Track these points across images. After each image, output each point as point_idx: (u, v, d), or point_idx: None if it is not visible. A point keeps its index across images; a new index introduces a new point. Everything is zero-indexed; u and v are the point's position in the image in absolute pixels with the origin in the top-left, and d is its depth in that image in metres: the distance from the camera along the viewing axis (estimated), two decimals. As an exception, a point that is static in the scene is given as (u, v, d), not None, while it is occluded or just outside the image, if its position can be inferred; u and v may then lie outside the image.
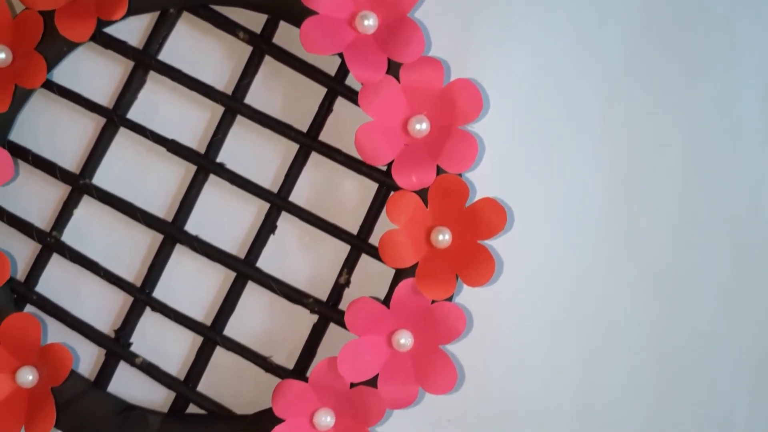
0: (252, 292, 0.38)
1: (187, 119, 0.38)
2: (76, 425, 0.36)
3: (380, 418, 0.34)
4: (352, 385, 0.34)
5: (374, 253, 0.37)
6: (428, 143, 0.34)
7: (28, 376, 0.35)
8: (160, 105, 0.38)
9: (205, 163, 0.37)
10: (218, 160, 0.38)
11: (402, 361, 0.34)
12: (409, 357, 0.35)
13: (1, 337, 0.35)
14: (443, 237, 0.34)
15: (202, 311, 0.38)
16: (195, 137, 0.38)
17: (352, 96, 0.37)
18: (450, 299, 0.35)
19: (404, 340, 0.35)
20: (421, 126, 0.34)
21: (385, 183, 0.37)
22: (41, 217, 0.38)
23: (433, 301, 0.34)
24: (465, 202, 0.34)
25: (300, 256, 0.38)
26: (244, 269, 0.37)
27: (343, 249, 0.38)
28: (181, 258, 0.38)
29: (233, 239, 0.38)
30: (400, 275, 0.36)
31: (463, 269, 0.34)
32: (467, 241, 0.34)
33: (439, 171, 0.35)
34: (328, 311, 0.37)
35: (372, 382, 0.35)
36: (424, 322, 0.34)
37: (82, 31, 0.34)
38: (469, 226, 0.34)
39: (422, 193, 0.35)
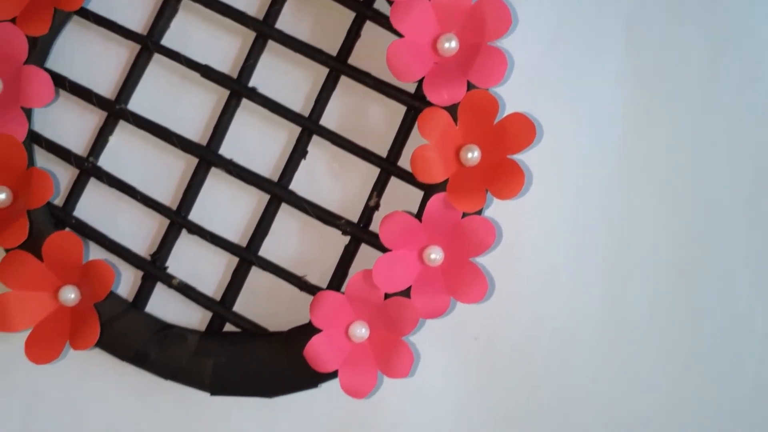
0: (284, 215, 0.39)
1: (219, 46, 0.39)
2: (116, 344, 0.37)
3: (413, 327, 0.35)
4: (386, 297, 0.36)
5: (403, 175, 0.38)
6: (458, 60, 0.35)
7: (70, 295, 0.36)
8: (192, 32, 0.39)
9: (237, 88, 0.38)
10: (250, 85, 0.39)
11: (433, 274, 0.36)
12: (440, 270, 0.36)
13: (43, 256, 0.36)
14: (472, 155, 0.35)
15: (236, 234, 0.39)
16: (227, 63, 0.39)
17: (380, 20, 0.38)
18: (479, 213, 0.36)
19: (435, 255, 0.36)
20: (450, 44, 0.35)
21: (413, 106, 0.38)
22: (78, 143, 0.39)
23: (463, 215, 0.35)
24: (495, 117, 0.35)
25: (330, 180, 0.39)
26: (278, 192, 0.38)
27: (372, 173, 0.39)
28: (216, 182, 0.39)
29: (266, 163, 0.39)
30: (428, 196, 0.37)
31: (493, 183, 0.35)
32: (497, 156, 0.35)
33: (470, 87, 0.35)
34: (359, 232, 0.38)
35: (405, 295, 0.36)
36: (454, 235, 0.35)
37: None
38: (499, 140, 0.35)
39: (452, 112, 0.36)
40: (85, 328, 0.35)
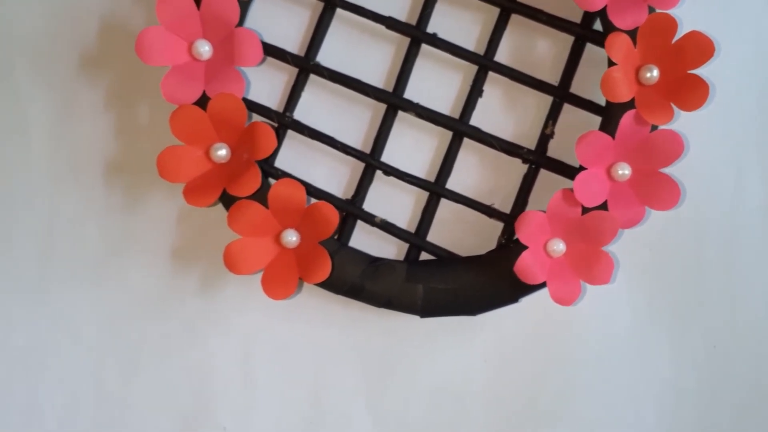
0: (464, 149, 0.42)
1: (394, 1, 0.42)
2: (332, 279, 0.41)
3: (614, 236, 0.38)
4: (584, 212, 0.39)
5: (576, 101, 0.41)
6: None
7: (292, 237, 0.39)
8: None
9: (420, 35, 0.41)
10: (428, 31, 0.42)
11: (625, 188, 0.39)
12: (630, 183, 0.39)
13: (269, 202, 0.39)
14: (651, 74, 0.38)
15: (423, 171, 0.43)
16: (402, 14, 0.42)
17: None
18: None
19: (623, 170, 0.39)
20: (625, -26, 0.38)
21: (581, 35, 0.41)
22: (272, 101, 0.43)
23: (653, 129, 0.38)
24: (673, 36, 0.38)
25: (503, 114, 0.42)
26: (463, 128, 0.41)
27: (542, 103, 0.42)
28: (399, 125, 0.42)
29: (444, 104, 0.42)
30: (607, 120, 0.40)
31: (678, 97, 0.38)
32: (678, 73, 0.38)
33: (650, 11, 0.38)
34: (540, 159, 0.41)
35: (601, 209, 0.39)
36: (644, 149, 0.38)
37: None
38: (679, 58, 0.38)
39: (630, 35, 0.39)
40: (315, 264, 0.39)
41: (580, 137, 0.38)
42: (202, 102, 0.39)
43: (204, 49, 0.38)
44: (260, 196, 0.40)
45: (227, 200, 0.40)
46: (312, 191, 0.42)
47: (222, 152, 0.39)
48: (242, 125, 0.39)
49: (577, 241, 0.39)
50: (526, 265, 0.38)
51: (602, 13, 0.39)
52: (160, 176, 0.38)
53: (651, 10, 0.38)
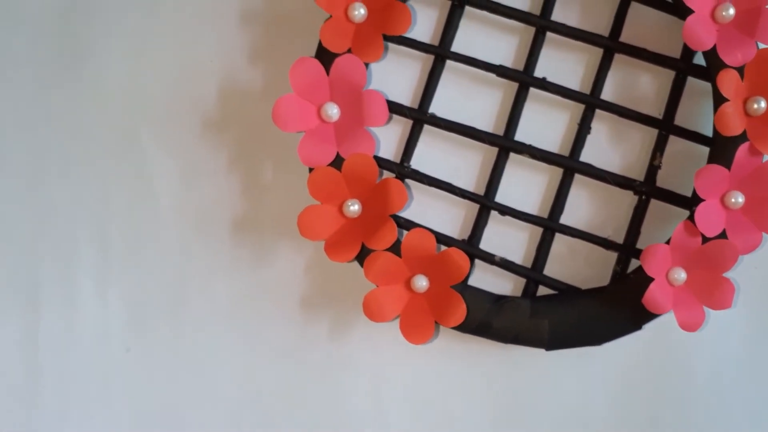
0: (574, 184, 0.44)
1: (501, 47, 0.44)
2: (465, 317, 0.42)
3: (734, 263, 0.40)
4: (704, 241, 0.41)
5: (681, 133, 0.43)
6: (737, 24, 0.40)
7: (422, 282, 0.41)
8: (475, 36, 0.44)
9: (530, 80, 0.43)
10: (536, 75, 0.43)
11: (740, 216, 0.41)
12: (744, 211, 0.41)
13: (402, 251, 0.41)
14: (758, 105, 0.40)
15: (535, 207, 0.44)
16: (508, 59, 0.44)
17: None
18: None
19: (736, 198, 0.41)
20: (728, 12, 0.40)
21: (682, 69, 0.43)
22: (388, 152, 0.44)
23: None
24: (784, 68, 0.39)
25: (611, 149, 0.44)
26: (574, 165, 0.43)
27: (646, 137, 0.43)
28: (509, 166, 0.44)
29: (552, 142, 0.44)
30: (714, 151, 0.41)
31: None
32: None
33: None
34: (651, 189, 0.43)
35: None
36: (757, 177, 0.40)
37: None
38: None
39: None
40: (450, 308, 0.41)
41: (699, 171, 0.40)
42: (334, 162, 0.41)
43: (333, 111, 0.40)
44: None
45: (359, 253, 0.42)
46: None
47: (355, 207, 0.41)
48: (374, 181, 0.41)
49: (697, 268, 0.41)
50: (655, 297, 0.40)
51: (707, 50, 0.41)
52: (302, 236, 0.40)
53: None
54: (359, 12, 0.40)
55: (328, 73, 0.41)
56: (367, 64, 0.42)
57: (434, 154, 0.44)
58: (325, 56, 0.41)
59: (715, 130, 0.41)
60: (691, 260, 0.41)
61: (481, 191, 0.44)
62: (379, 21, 0.40)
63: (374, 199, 0.41)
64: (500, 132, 0.44)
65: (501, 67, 0.43)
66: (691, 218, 0.41)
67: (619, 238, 0.44)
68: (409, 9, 0.41)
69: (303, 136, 0.40)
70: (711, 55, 0.41)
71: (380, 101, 0.40)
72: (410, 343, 0.41)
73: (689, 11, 0.40)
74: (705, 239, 0.41)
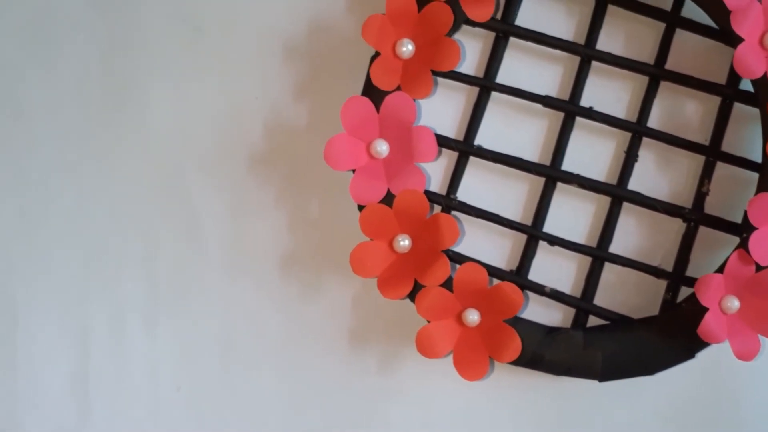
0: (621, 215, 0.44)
1: (546, 77, 0.44)
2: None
3: (792, 292, 0.40)
4: (757, 269, 0.40)
5: (728, 159, 0.43)
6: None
7: (474, 316, 0.41)
8: (520, 70, 0.44)
9: (577, 110, 0.43)
10: (582, 104, 0.43)
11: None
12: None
13: (454, 285, 0.41)
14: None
15: (582, 236, 0.44)
16: (553, 89, 0.44)
17: (687, 25, 0.42)
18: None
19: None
20: (779, 40, 0.40)
21: (728, 96, 0.42)
22: (434, 184, 0.44)
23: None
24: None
25: (658, 177, 0.44)
26: (625, 194, 0.43)
27: (693, 163, 0.43)
28: (556, 195, 0.44)
29: (600, 172, 0.44)
30: (763, 178, 0.41)
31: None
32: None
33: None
34: (700, 217, 0.43)
35: None
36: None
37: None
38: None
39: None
40: (505, 343, 0.40)
41: (752, 200, 0.40)
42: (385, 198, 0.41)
43: (383, 148, 0.40)
44: (439, 279, 0.42)
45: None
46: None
47: (406, 243, 0.41)
48: (424, 217, 0.41)
49: (751, 297, 0.41)
50: (710, 327, 0.40)
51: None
52: (354, 273, 0.40)
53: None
54: (407, 48, 0.40)
55: (377, 109, 0.41)
56: (415, 99, 0.42)
57: (480, 185, 0.44)
58: (373, 93, 0.41)
59: (764, 156, 0.41)
60: (745, 288, 0.41)
61: (528, 221, 0.44)
62: (428, 57, 0.40)
63: (425, 234, 0.41)
64: (546, 162, 0.44)
65: (547, 97, 0.43)
66: (741, 245, 0.41)
67: (668, 266, 0.43)
68: (458, 44, 0.41)
69: (354, 174, 0.40)
70: (760, 81, 0.40)
71: (430, 137, 0.40)
72: (465, 379, 0.41)
73: (734, 36, 0.40)
74: (759, 267, 0.41)
